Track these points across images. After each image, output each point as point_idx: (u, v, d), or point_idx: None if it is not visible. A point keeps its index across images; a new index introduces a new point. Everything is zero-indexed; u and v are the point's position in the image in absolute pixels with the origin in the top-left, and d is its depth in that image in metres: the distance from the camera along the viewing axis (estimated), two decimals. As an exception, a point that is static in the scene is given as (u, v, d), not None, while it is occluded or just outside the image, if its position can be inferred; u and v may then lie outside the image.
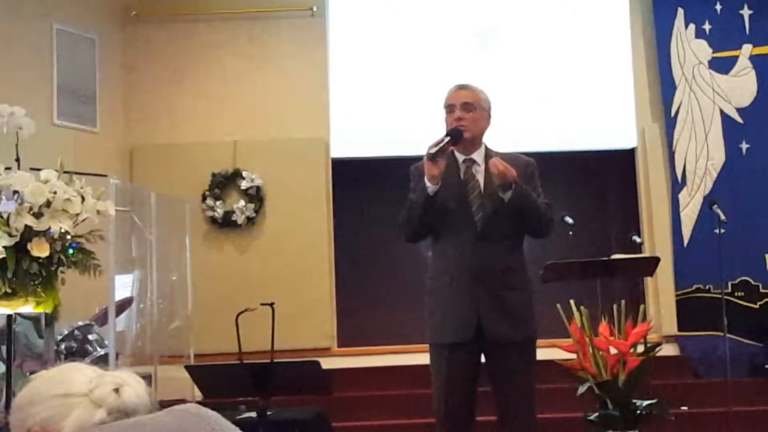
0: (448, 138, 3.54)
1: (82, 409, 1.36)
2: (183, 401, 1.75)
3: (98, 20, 7.18)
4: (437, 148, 3.47)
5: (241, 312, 5.24)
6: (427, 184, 3.51)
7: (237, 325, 5.25)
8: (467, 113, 3.66)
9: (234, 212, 7.17)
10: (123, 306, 5.57)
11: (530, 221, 3.66)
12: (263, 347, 5.36)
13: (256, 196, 7.21)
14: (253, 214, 7.20)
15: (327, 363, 4.46)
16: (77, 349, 4.84)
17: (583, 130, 7.25)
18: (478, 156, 3.72)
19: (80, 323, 4.97)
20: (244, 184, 7.21)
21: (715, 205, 6.05)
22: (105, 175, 4.96)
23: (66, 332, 4.82)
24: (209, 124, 7.40)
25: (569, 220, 5.49)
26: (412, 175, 3.77)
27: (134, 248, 5.95)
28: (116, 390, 1.39)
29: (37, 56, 6.60)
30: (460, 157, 3.71)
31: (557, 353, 4.79)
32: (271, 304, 5.28)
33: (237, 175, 7.25)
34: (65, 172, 3.47)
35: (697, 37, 7.22)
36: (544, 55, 7.37)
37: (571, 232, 5.49)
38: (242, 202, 7.19)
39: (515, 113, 7.05)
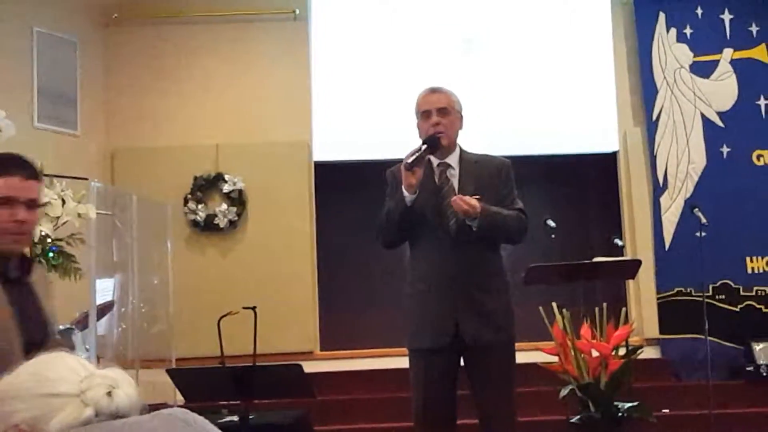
0: (426, 146, 3.50)
1: (72, 409, 1.33)
2: (165, 405, 1.74)
3: (79, 23, 7.14)
4: (414, 157, 3.42)
5: (224, 316, 5.23)
6: (405, 193, 3.46)
7: (219, 328, 5.24)
8: (443, 118, 3.63)
9: (216, 216, 7.14)
10: (104, 310, 5.53)
11: (502, 238, 3.67)
12: (245, 351, 5.35)
13: (238, 200, 7.19)
14: (236, 218, 7.18)
15: (309, 367, 4.46)
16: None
17: (566, 134, 7.26)
18: (452, 159, 3.69)
19: (61, 327, 4.93)
20: (226, 188, 7.19)
21: (696, 209, 6.10)
22: (86, 179, 4.93)
23: (46, 336, 4.77)
24: (191, 127, 7.38)
25: (551, 223, 5.51)
26: (388, 180, 3.75)
27: (116, 252, 5.92)
28: (109, 393, 1.37)
29: (18, 59, 6.55)
30: (435, 161, 3.66)
31: (540, 356, 4.82)
32: (254, 308, 5.28)
33: (219, 178, 7.22)
34: (46, 175, 3.45)
35: (678, 41, 7.26)
36: (526, 60, 7.39)
37: (553, 235, 5.50)
38: (224, 206, 7.16)
39: (497, 117, 7.08)
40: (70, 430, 1.31)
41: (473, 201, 3.42)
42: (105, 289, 5.79)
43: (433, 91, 3.72)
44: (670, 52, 7.25)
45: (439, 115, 3.62)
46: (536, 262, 4.93)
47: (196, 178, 7.22)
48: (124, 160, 7.27)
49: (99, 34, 7.39)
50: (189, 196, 7.19)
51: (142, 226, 6.17)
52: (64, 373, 1.38)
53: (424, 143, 3.52)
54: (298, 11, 7.46)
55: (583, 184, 8.03)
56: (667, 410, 5.87)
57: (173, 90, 7.42)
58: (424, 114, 3.66)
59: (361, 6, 7.56)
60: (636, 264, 5.15)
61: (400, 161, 3.63)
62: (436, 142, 3.55)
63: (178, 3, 7.47)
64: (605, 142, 7.36)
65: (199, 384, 4.31)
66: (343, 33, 7.51)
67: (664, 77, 7.23)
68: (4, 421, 1.35)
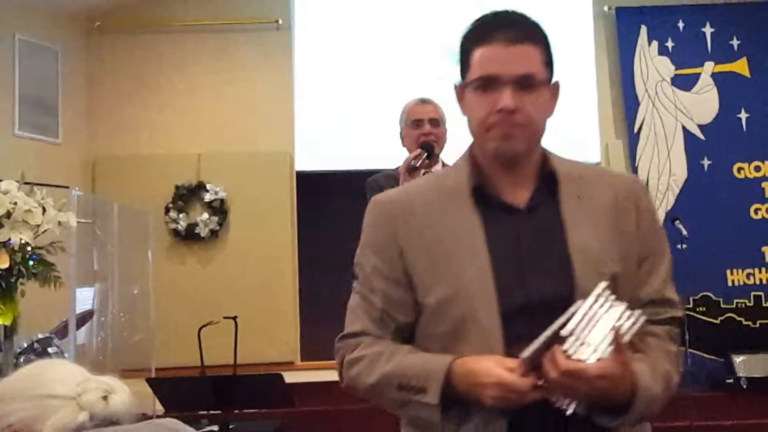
0: (425, 153, 3.54)
1: (67, 411, 1.33)
2: (144, 416, 1.73)
3: (62, 31, 7.12)
4: (420, 160, 3.47)
5: (204, 325, 5.21)
6: None
7: (199, 338, 5.21)
8: (435, 129, 3.67)
9: (197, 225, 7.12)
10: (84, 319, 5.49)
11: None
12: (226, 361, 5.33)
13: (219, 209, 7.17)
14: (217, 227, 7.15)
15: (290, 377, 4.45)
16: (36, 363, 4.76)
17: (547, 145, 7.26)
18: (437, 169, 3.72)
19: (40, 336, 4.89)
20: (207, 197, 7.17)
21: (677, 221, 6.13)
22: (67, 187, 4.90)
23: (26, 345, 4.73)
24: (173, 136, 7.36)
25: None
26: (369, 189, 3.76)
27: (96, 260, 5.89)
28: (105, 397, 1.36)
29: (-1, 66, 6.53)
30: (420, 170, 3.71)
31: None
32: (234, 318, 5.26)
33: (201, 187, 7.20)
34: (26, 183, 3.43)
35: (660, 54, 7.32)
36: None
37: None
38: (206, 215, 7.14)
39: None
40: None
41: None
42: (85, 298, 5.75)
43: (425, 101, 3.77)
44: (652, 65, 7.30)
45: (431, 126, 3.65)
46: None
47: (177, 187, 7.19)
48: (106, 168, 7.24)
49: (82, 42, 7.37)
50: (170, 205, 7.16)
51: (123, 234, 6.15)
52: (61, 376, 1.38)
53: (422, 149, 3.54)
54: (281, 21, 7.47)
55: (565, 195, 8.05)
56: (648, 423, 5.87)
57: (155, 99, 7.40)
58: (415, 122, 3.70)
59: (344, 16, 7.57)
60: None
61: (379, 171, 3.64)
62: (432, 149, 3.58)
63: (162, 12, 7.46)
64: (587, 154, 7.39)
65: (179, 394, 4.28)
66: (326, 43, 7.52)
67: (646, 90, 7.28)
68: None
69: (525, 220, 1.73)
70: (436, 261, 1.70)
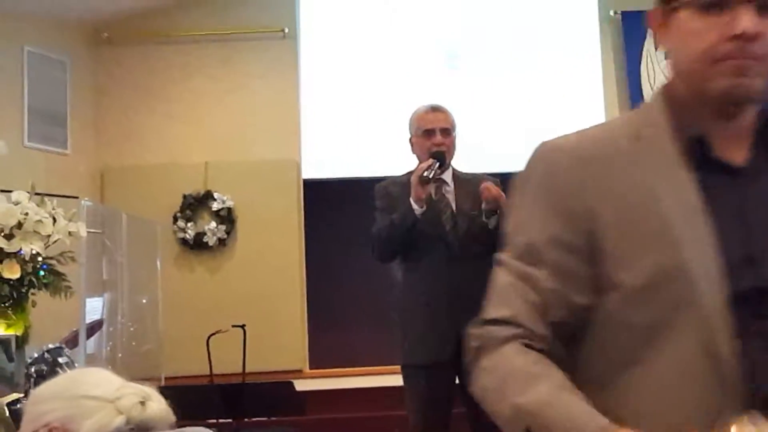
0: (438, 163, 3.55)
1: (104, 414, 1.36)
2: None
3: (70, 42, 7.16)
4: (433, 171, 3.48)
5: (213, 334, 5.24)
6: (415, 206, 3.50)
7: (208, 347, 5.24)
8: (446, 138, 3.68)
9: (205, 234, 7.14)
10: (93, 329, 5.52)
11: None
12: (235, 369, 5.35)
13: (227, 218, 7.20)
14: (225, 236, 7.18)
15: (299, 385, 4.46)
16: (47, 372, 4.75)
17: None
18: (446, 176, 3.74)
19: (50, 346, 4.91)
20: (215, 206, 7.19)
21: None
22: (76, 197, 4.93)
23: (36, 355, 4.76)
24: (180, 145, 7.39)
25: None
26: (378, 194, 3.77)
27: (105, 270, 5.91)
28: (142, 403, 1.39)
29: (8, 78, 6.56)
30: (433, 182, 3.71)
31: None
32: (243, 326, 5.29)
33: (208, 196, 7.23)
34: (36, 194, 3.45)
35: (667, 57, 7.29)
36: (514, 76, 7.43)
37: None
38: (213, 224, 7.17)
39: (486, 134, 7.10)
40: None
41: (502, 192, 3.47)
42: (93, 308, 5.77)
43: (435, 109, 3.75)
44: (660, 69, 7.30)
45: (442, 135, 3.66)
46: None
47: (185, 197, 7.22)
48: (114, 178, 7.28)
49: (89, 53, 7.41)
50: (178, 214, 7.19)
51: (132, 244, 6.17)
52: (100, 380, 1.41)
53: (434, 159, 3.55)
54: (287, 30, 7.50)
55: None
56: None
57: (162, 109, 7.43)
58: (426, 132, 3.69)
59: (349, 24, 7.60)
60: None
61: (385, 178, 3.66)
62: (444, 159, 3.59)
63: (168, 23, 7.50)
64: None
65: (190, 402, 4.29)
66: (332, 51, 7.55)
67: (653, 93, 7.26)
68: (36, 420, 1.37)
69: (749, 183, 1.36)
70: (640, 228, 1.33)
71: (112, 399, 1.38)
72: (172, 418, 1.44)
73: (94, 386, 1.40)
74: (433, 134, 3.67)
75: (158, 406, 1.42)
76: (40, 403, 1.40)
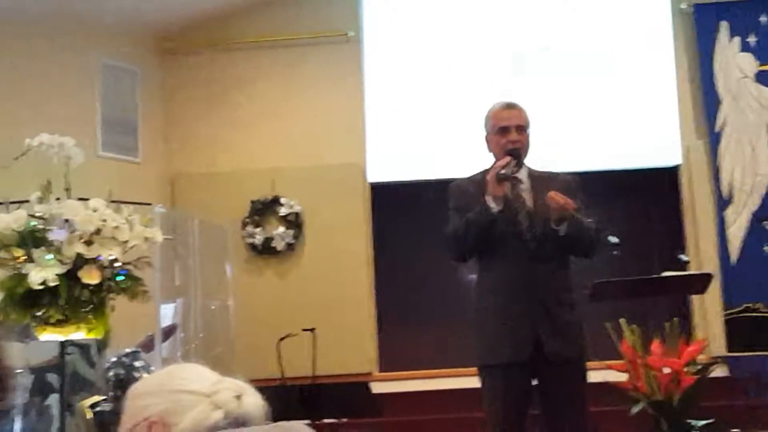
0: (515, 160, 3.49)
1: (202, 408, 1.36)
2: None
3: (139, 53, 7.28)
4: (510, 169, 3.43)
5: (283, 337, 5.27)
6: (491, 204, 3.44)
7: (279, 350, 5.27)
8: (521, 135, 3.61)
9: (273, 239, 7.19)
10: (168, 333, 5.59)
11: (582, 248, 3.61)
12: (305, 372, 5.38)
13: (294, 223, 7.23)
14: (293, 241, 7.21)
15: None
16: (124, 376, 4.84)
17: (627, 149, 7.18)
18: (521, 174, 3.66)
19: (127, 350, 4.98)
20: (282, 211, 7.23)
21: (765, 222, 5.95)
22: (150, 204, 5.00)
23: (114, 359, 4.82)
24: (247, 151, 7.45)
25: (613, 239, 5.42)
26: (453, 193, 3.73)
27: (177, 275, 5.98)
28: (238, 397, 1.40)
29: (84, 89, 6.73)
30: (509, 180, 3.66)
31: (606, 374, 4.73)
32: (312, 330, 5.31)
33: (276, 202, 7.27)
34: (113, 202, 3.49)
35: (742, 50, 7.12)
36: (586, 74, 7.32)
37: (615, 252, 5.42)
38: (281, 229, 7.20)
39: (559, 132, 6.99)
40: (198, 429, 1.33)
41: (569, 200, 3.40)
42: (166, 313, 5.84)
43: (510, 106, 3.68)
44: (734, 62, 7.11)
45: (517, 132, 3.59)
46: (597, 278, 4.84)
47: (253, 202, 7.28)
48: (184, 185, 7.37)
49: (157, 63, 7.52)
50: (246, 219, 7.25)
51: (203, 249, 6.24)
52: (197, 375, 1.42)
53: (510, 157, 3.49)
54: (351, 33, 7.52)
55: (645, 199, 7.91)
56: (737, 430, 5.72)
57: (229, 116, 7.50)
58: (502, 129, 3.62)
59: (413, 26, 7.58)
60: (706, 278, 5.00)
61: (451, 180, 3.62)
62: (519, 156, 3.54)
63: (231, 30, 7.57)
64: (667, 156, 7.25)
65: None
66: (396, 54, 7.54)
67: (728, 88, 7.09)
68: (136, 415, 1.38)
69: None
70: None
71: (209, 393, 1.39)
72: (267, 412, 1.43)
73: (190, 381, 1.41)
74: (509, 131, 3.60)
75: (254, 401, 1.42)
76: (139, 398, 1.41)
